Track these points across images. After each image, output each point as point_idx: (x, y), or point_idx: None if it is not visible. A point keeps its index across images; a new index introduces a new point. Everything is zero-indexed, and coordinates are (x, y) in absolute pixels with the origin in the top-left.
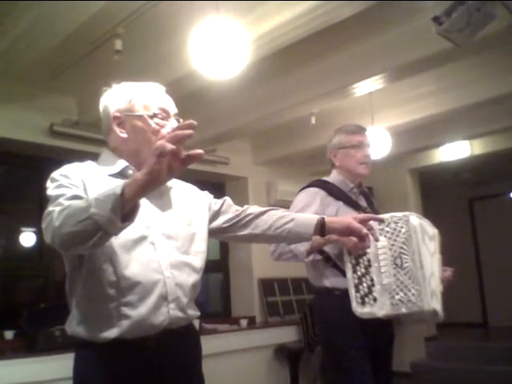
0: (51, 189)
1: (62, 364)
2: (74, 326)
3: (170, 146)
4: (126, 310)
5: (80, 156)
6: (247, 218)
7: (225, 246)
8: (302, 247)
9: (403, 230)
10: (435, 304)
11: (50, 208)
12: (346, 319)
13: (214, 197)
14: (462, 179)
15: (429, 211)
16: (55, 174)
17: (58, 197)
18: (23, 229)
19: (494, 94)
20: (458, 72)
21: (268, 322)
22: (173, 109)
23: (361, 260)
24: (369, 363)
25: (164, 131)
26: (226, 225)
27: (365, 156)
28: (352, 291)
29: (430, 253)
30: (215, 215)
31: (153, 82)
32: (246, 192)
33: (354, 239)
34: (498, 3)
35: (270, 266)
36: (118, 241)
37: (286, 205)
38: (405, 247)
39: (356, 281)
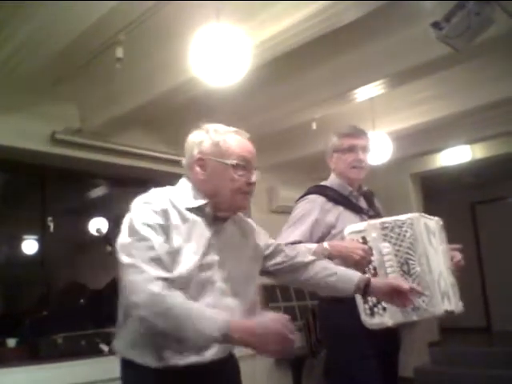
0: (134, 242)
1: (65, 371)
2: (124, 348)
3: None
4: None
5: (82, 163)
6: (294, 266)
7: None
8: None
9: (408, 235)
10: (447, 305)
11: (147, 277)
12: (353, 326)
13: None
14: (463, 183)
15: (431, 215)
16: (139, 219)
17: (144, 260)
18: (25, 236)
19: (495, 98)
20: (459, 77)
21: None
22: (254, 160)
23: (366, 269)
24: (377, 371)
25: (242, 180)
26: (272, 268)
27: (356, 160)
28: (360, 303)
29: (436, 251)
30: (266, 257)
31: (239, 130)
32: None
33: (356, 256)
34: (497, 7)
35: None
36: (181, 280)
37: (286, 210)
38: (411, 252)
39: None
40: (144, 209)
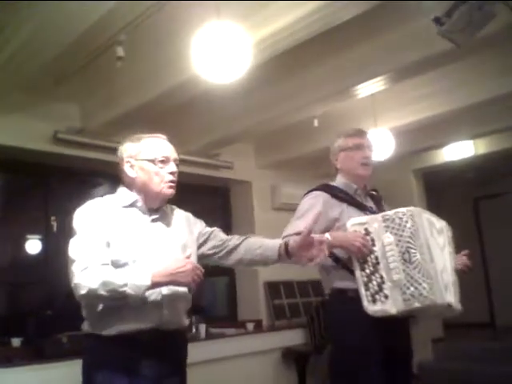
0: (77, 245)
1: (70, 370)
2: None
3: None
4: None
5: (84, 163)
6: (229, 248)
7: None
8: None
9: (408, 225)
10: (449, 297)
11: (80, 266)
12: (358, 320)
13: (220, 203)
14: (466, 179)
15: (433, 211)
16: (80, 225)
17: (86, 258)
18: (29, 236)
19: (497, 93)
20: (461, 71)
21: (275, 325)
22: (173, 155)
23: (368, 258)
24: (381, 368)
25: (163, 171)
26: (210, 251)
27: (364, 157)
28: (362, 290)
29: (440, 246)
30: (203, 242)
31: (157, 134)
32: (251, 196)
33: (356, 243)
34: (499, 2)
35: (275, 269)
36: (127, 264)
37: (290, 208)
38: (412, 241)
39: (365, 279)
40: (84, 214)
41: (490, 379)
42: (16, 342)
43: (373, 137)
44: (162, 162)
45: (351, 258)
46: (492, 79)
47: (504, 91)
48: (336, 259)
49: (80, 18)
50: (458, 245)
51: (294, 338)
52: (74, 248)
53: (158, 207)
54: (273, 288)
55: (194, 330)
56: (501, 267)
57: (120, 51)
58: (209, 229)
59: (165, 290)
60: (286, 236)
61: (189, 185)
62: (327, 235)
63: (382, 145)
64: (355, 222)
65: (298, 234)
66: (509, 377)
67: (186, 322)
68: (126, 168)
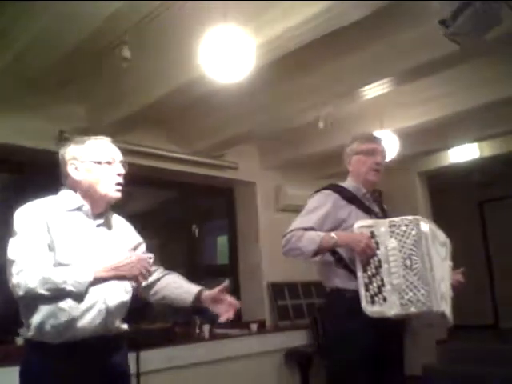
0: (16, 246)
1: None
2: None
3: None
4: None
5: None
6: (151, 282)
7: (234, 250)
8: (310, 246)
9: (413, 233)
10: (444, 307)
11: (19, 267)
12: (355, 320)
13: (224, 203)
14: (471, 181)
15: (438, 214)
16: (21, 226)
17: (25, 260)
18: None
19: (503, 95)
20: (467, 74)
21: (278, 325)
22: (119, 157)
23: (371, 260)
24: (371, 369)
25: (111, 173)
26: None
27: (375, 163)
28: (362, 290)
29: (441, 258)
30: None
31: (101, 136)
32: (255, 197)
33: (362, 244)
34: (505, 5)
35: (279, 270)
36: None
37: (294, 209)
38: (414, 249)
39: (366, 280)
40: (26, 215)
41: (494, 381)
42: (20, 340)
43: (385, 144)
44: (109, 163)
45: (354, 259)
46: (498, 82)
47: (510, 94)
48: (339, 258)
49: (87, 18)
50: (463, 247)
51: (297, 338)
52: (14, 249)
53: (102, 212)
54: (277, 289)
55: (197, 331)
56: (505, 269)
57: (126, 52)
58: (145, 251)
59: (110, 302)
60: (293, 230)
61: (193, 185)
62: (333, 234)
63: (387, 147)
64: (362, 225)
65: (305, 229)
66: None
67: (124, 326)
68: (70, 170)
